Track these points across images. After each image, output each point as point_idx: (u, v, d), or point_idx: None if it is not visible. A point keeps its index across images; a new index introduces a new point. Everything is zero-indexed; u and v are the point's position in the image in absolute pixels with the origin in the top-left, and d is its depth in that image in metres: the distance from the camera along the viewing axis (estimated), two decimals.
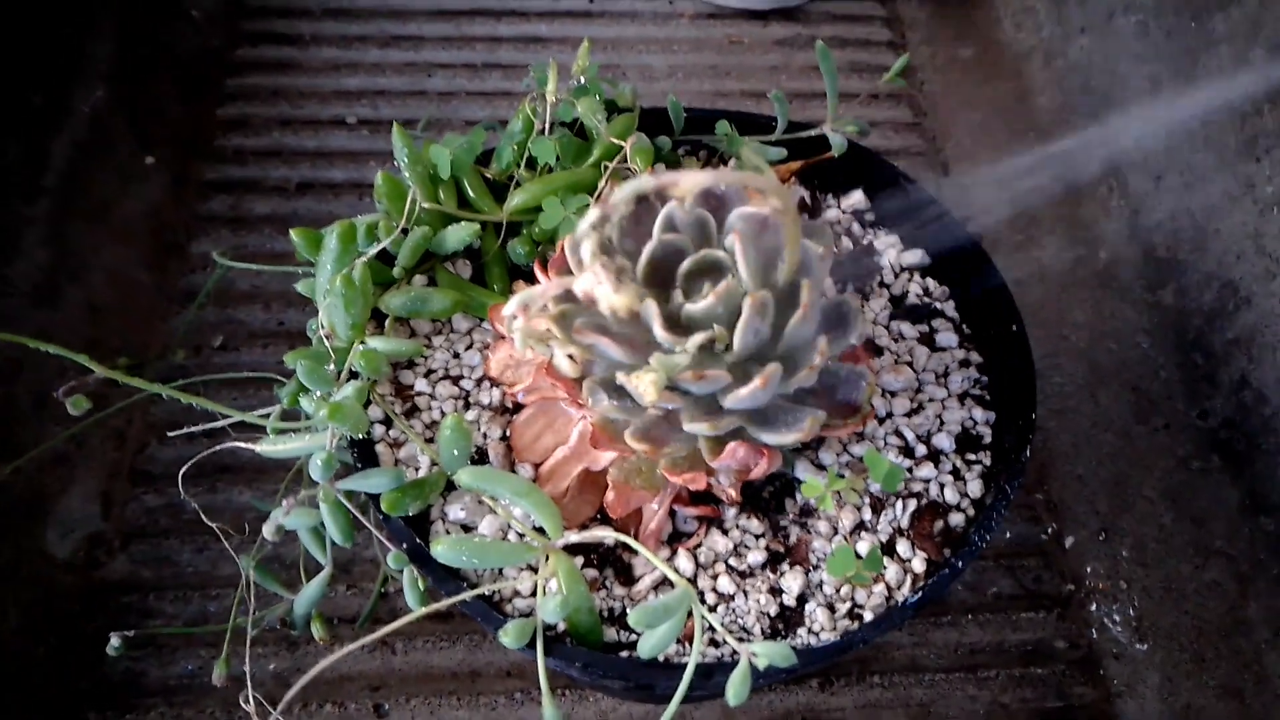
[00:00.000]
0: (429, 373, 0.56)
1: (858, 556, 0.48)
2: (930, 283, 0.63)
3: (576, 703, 0.66)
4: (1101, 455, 0.80)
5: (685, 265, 0.48)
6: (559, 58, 0.60)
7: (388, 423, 0.53)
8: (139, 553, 0.72)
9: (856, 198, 0.66)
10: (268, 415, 0.55)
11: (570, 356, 0.46)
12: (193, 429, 0.58)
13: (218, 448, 0.54)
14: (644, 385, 0.45)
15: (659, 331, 0.46)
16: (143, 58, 1.01)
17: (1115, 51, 0.95)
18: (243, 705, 0.47)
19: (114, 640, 0.58)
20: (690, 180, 0.39)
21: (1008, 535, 0.76)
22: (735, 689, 0.42)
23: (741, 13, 1.13)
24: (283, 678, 0.67)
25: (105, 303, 0.83)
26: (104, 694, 0.66)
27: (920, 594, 0.49)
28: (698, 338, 0.46)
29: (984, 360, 0.59)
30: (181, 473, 0.58)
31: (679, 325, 0.48)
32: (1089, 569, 0.75)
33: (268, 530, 0.47)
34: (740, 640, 0.47)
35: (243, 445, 0.51)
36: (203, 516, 0.58)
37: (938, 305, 0.62)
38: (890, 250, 0.64)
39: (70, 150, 0.89)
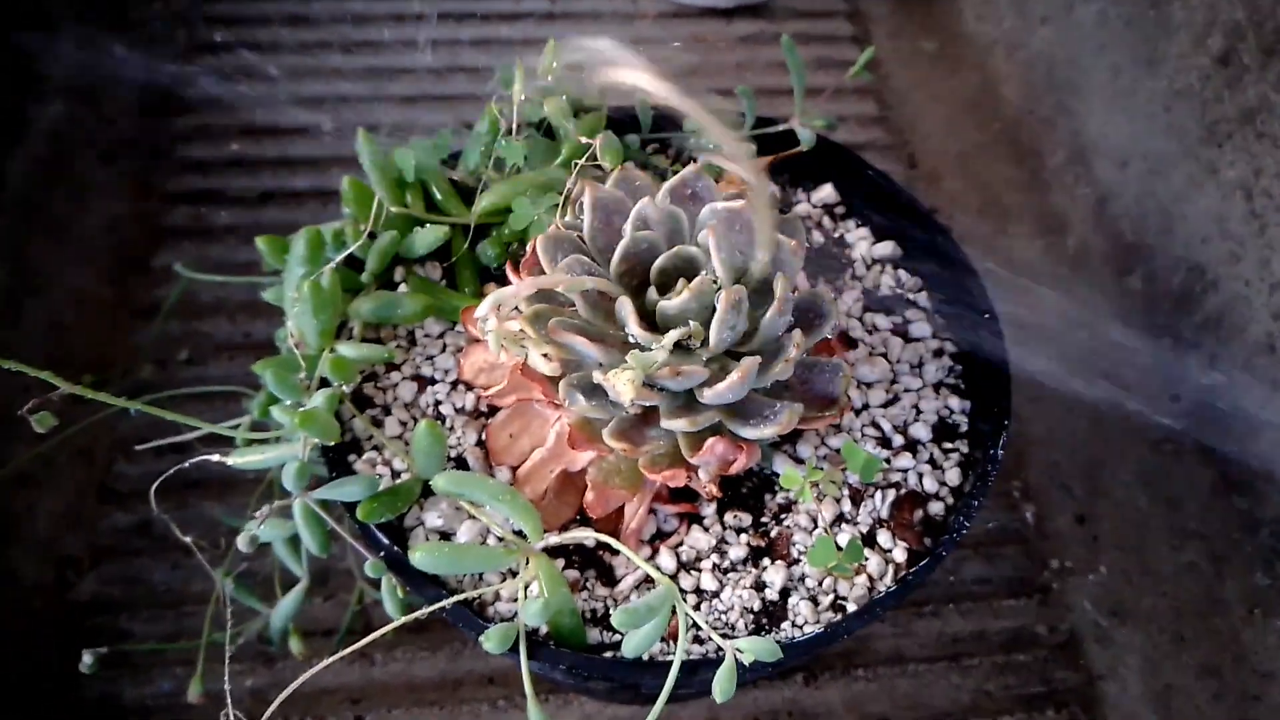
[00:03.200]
0: (402, 379, 0.55)
1: (838, 548, 0.48)
2: (902, 274, 0.63)
3: (561, 708, 0.65)
4: (1076, 442, 0.81)
5: (659, 262, 0.48)
6: (522, 60, 0.59)
7: (360, 431, 0.53)
8: (110, 572, 0.71)
9: (826, 191, 0.66)
10: (237, 427, 0.54)
11: (546, 355, 0.45)
12: (160, 443, 0.57)
13: (188, 463, 0.52)
14: (621, 383, 0.45)
15: (634, 329, 0.46)
16: (99, 70, 0.99)
17: (1076, 41, 0.96)
18: None
19: (86, 658, 0.57)
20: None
21: (987, 525, 0.76)
22: (721, 686, 0.42)
23: (706, 11, 1.13)
24: (261, 694, 0.66)
25: (67, 320, 0.82)
26: (79, 718, 0.65)
27: (902, 583, 0.49)
28: (673, 334, 0.46)
29: (958, 350, 0.59)
30: (153, 488, 0.56)
31: (654, 322, 0.47)
32: (1067, 554, 0.76)
33: (242, 542, 0.46)
34: (724, 636, 0.46)
35: (212, 458, 0.50)
36: (175, 531, 0.57)
37: (910, 296, 0.62)
38: (861, 243, 0.64)
39: (28, 166, 0.88)
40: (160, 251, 0.88)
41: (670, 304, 0.46)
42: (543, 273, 0.48)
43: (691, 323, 0.46)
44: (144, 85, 1.00)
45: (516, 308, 0.48)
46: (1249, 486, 0.76)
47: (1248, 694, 0.71)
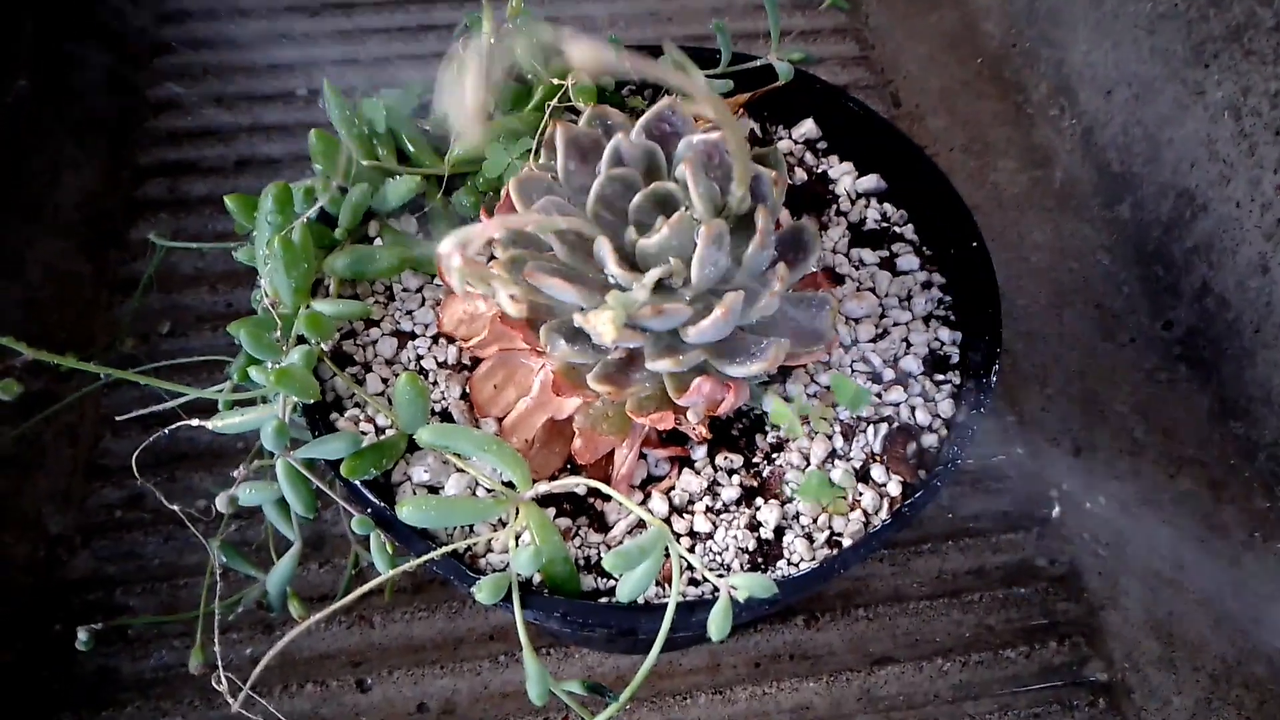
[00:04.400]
0: (382, 335, 0.54)
1: (830, 482, 0.47)
2: (888, 207, 0.62)
3: (561, 660, 0.65)
4: (1070, 373, 0.80)
5: (636, 199, 0.47)
6: (495, 14, 0.58)
7: (342, 389, 0.52)
8: (101, 548, 0.70)
9: (808, 127, 0.65)
10: (220, 392, 0.53)
11: (513, 296, 0.44)
12: (143, 411, 0.56)
13: (170, 428, 0.52)
14: (602, 324, 0.44)
15: (613, 269, 0.45)
16: (66, 44, 0.97)
17: None
18: (214, 685, 0.46)
19: (82, 635, 0.56)
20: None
21: (983, 459, 0.76)
22: (717, 624, 0.42)
23: None
24: (260, 661, 0.66)
25: (44, 297, 0.80)
26: (77, 693, 0.65)
27: (897, 516, 0.49)
28: (654, 273, 0.45)
29: (947, 280, 0.58)
30: (134, 457, 0.56)
31: (634, 262, 0.46)
32: (1064, 486, 0.75)
33: (221, 503, 0.45)
34: (720, 576, 0.46)
35: (194, 424, 0.49)
36: (164, 501, 0.56)
37: (897, 229, 0.61)
38: (845, 177, 0.62)
39: None
40: (136, 225, 0.87)
41: (650, 242, 0.45)
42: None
43: (672, 260, 0.45)
44: (112, 58, 0.98)
45: (493, 255, 0.47)
46: (1245, 411, 0.76)
47: (1248, 617, 0.71)
